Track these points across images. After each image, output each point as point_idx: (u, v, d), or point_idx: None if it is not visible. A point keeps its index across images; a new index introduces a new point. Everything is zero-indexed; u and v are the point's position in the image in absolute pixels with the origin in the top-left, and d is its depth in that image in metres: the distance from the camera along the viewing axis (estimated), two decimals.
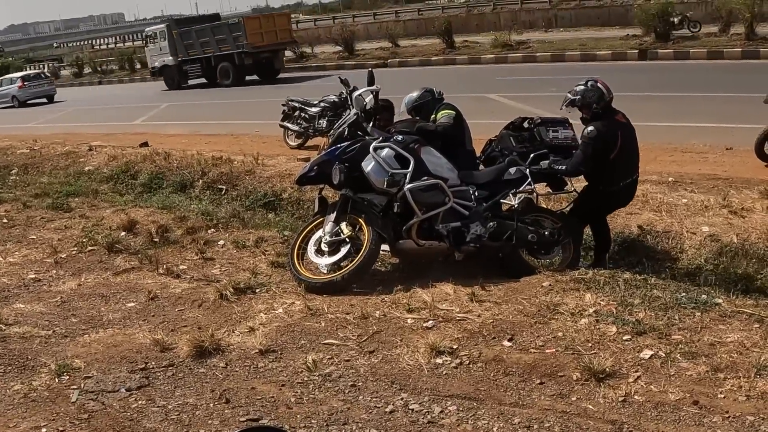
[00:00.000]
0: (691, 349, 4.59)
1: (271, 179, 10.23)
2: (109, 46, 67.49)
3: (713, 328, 4.90)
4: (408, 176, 6.33)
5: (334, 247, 6.38)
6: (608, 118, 6.48)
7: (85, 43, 79.29)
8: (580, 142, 6.54)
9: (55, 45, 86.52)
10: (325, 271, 6.36)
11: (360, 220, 6.40)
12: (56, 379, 4.78)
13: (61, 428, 4.22)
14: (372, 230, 6.28)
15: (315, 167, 6.71)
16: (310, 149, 13.42)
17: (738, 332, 4.81)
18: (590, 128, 6.41)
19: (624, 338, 4.80)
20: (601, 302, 5.38)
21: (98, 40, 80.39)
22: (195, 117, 20.30)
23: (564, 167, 6.56)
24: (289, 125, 14.19)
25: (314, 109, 13.73)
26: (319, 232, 6.52)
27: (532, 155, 6.64)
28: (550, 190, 7.12)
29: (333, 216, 6.44)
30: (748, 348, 4.58)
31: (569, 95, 6.59)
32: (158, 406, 4.41)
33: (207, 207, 9.39)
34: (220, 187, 10.46)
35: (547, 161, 6.60)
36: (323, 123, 13.43)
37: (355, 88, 11.49)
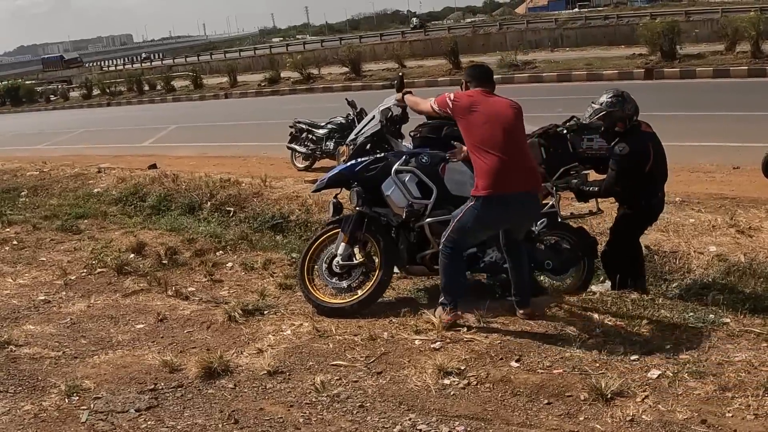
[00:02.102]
0: (699, 368, 4.59)
1: (279, 201, 10.27)
2: (118, 67, 68.07)
3: (721, 348, 4.90)
4: (429, 207, 6.07)
5: (345, 270, 6.24)
6: (637, 132, 6.27)
7: (94, 64, 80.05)
8: (611, 162, 6.23)
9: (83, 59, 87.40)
10: (334, 293, 6.31)
11: (374, 242, 6.20)
12: (66, 400, 4.80)
13: None
14: (385, 260, 6.12)
15: (333, 182, 6.39)
16: (317, 171, 13.47)
17: (746, 351, 4.82)
18: (622, 145, 6.15)
19: (631, 358, 4.80)
20: (609, 322, 5.38)
21: (107, 62, 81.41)
22: (203, 139, 20.40)
23: (597, 189, 6.35)
24: (297, 147, 14.23)
25: (321, 131, 13.79)
26: (332, 247, 6.34)
27: (561, 170, 6.40)
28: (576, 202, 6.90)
29: (347, 235, 6.17)
30: (756, 367, 4.58)
31: (601, 105, 6.30)
32: (167, 427, 4.42)
33: (215, 229, 9.43)
34: (228, 209, 10.51)
35: (576, 180, 6.42)
36: (330, 145, 13.49)
37: (362, 110, 11.59)
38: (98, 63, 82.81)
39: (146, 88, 42.57)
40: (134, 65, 67.24)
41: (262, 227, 9.70)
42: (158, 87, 42.09)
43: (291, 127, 14.49)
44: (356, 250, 6.20)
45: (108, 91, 44.52)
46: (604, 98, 6.35)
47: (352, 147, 6.39)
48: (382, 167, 6.15)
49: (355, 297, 6.16)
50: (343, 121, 13.62)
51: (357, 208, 6.18)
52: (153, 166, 14.12)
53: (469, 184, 5.88)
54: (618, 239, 6.59)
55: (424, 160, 6.12)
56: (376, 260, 6.20)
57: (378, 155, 6.26)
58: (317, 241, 6.46)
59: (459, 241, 5.58)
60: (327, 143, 13.61)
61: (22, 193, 12.95)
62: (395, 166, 6.10)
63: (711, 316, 5.48)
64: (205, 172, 12.48)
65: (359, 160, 6.27)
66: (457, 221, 5.51)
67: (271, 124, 20.38)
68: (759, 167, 10.06)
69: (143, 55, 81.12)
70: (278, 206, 10.14)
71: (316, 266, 6.40)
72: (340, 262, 6.20)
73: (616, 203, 6.66)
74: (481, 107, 5.41)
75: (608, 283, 6.66)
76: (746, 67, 22.00)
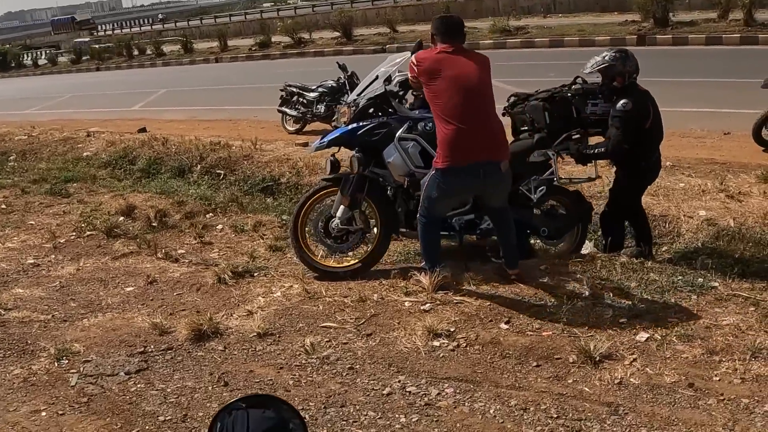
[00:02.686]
0: (687, 331, 4.62)
1: (269, 164, 10.23)
2: (107, 32, 67.42)
3: (709, 311, 4.93)
4: None
5: (343, 233, 6.18)
6: (635, 89, 6.20)
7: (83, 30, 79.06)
8: (614, 120, 6.13)
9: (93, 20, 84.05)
10: (327, 254, 6.30)
11: (374, 208, 6.13)
12: (56, 363, 4.81)
13: (60, 412, 4.25)
14: (385, 229, 6.08)
15: (333, 143, 6.24)
16: (308, 134, 13.44)
17: (734, 315, 4.84)
18: (624, 101, 6.05)
19: (620, 321, 4.83)
20: (598, 285, 5.40)
21: (102, 26, 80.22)
22: (193, 102, 20.25)
23: (603, 149, 6.21)
24: (287, 110, 14.20)
25: (312, 94, 13.76)
26: (324, 206, 6.25)
27: (563, 135, 6.31)
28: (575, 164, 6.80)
29: (347, 197, 6.03)
30: (744, 331, 4.60)
31: (604, 59, 6.19)
32: (157, 390, 4.44)
33: (205, 192, 9.42)
34: (218, 172, 10.46)
35: (577, 145, 6.33)
36: (321, 108, 13.50)
37: (353, 74, 11.52)
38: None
39: (135, 52, 42.23)
40: (123, 30, 66.57)
41: (252, 190, 9.67)
42: (148, 52, 41.76)
43: (282, 90, 14.45)
44: (356, 214, 6.12)
45: (97, 56, 44.13)
46: (606, 53, 6.29)
47: (354, 108, 6.19)
48: (385, 133, 6.00)
49: (351, 264, 6.15)
50: (334, 85, 13.59)
51: (359, 172, 6.03)
52: (143, 130, 14.02)
53: None
54: (618, 200, 6.55)
55: (428, 128, 5.94)
56: (373, 225, 6.16)
57: (381, 120, 6.08)
58: (311, 198, 6.29)
59: (429, 210, 5.53)
60: (318, 106, 13.59)
61: (11, 158, 12.88)
62: (398, 133, 5.96)
63: (700, 280, 5.50)
64: (195, 136, 12.41)
65: (361, 123, 6.09)
66: (424, 192, 5.49)
67: (261, 88, 20.26)
68: (749, 133, 10.08)
69: (160, 17, 76.90)
70: (268, 169, 10.11)
71: (308, 225, 6.31)
72: (339, 226, 6.11)
73: (613, 166, 6.63)
74: (444, 71, 5.25)
75: (590, 244, 6.68)
76: (738, 35, 21.88)
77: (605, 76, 6.22)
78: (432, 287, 5.46)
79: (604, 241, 6.63)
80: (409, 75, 5.58)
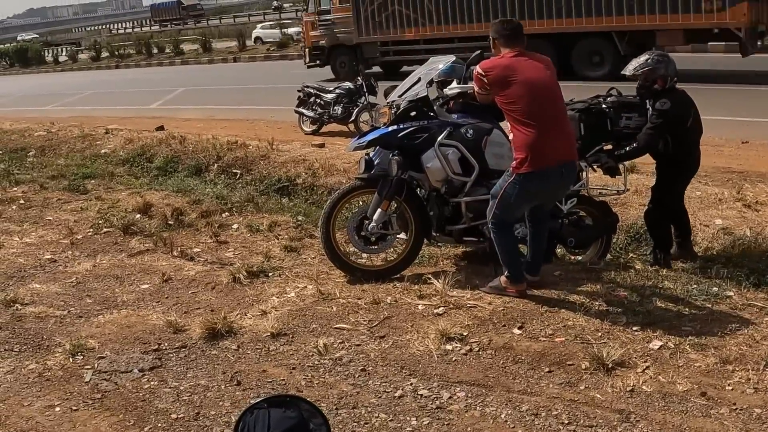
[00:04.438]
0: (701, 340, 4.60)
1: (286, 164, 10.27)
2: (127, 30, 67.79)
3: (723, 321, 4.91)
4: (468, 185, 5.93)
5: (378, 236, 6.08)
6: (675, 91, 6.29)
7: (103, 27, 79.16)
8: (651, 117, 6.20)
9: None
10: (358, 254, 6.28)
11: (410, 212, 6.04)
12: (70, 359, 4.84)
13: (74, 407, 4.28)
14: (417, 234, 6.04)
15: (373, 144, 6.12)
16: (324, 135, 13.49)
17: (748, 325, 4.82)
18: (663, 101, 6.13)
19: (634, 329, 4.81)
20: (612, 292, 5.39)
21: (116, 25, 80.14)
22: (211, 101, 20.34)
23: (635, 144, 6.22)
24: (305, 111, 14.24)
25: (330, 96, 13.79)
26: (360, 203, 6.27)
27: (595, 149, 6.28)
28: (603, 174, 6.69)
29: (386, 201, 5.93)
30: (758, 341, 4.58)
31: (646, 61, 6.26)
32: (170, 387, 4.46)
33: (221, 191, 9.45)
34: (234, 171, 10.51)
35: (609, 158, 6.30)
36: (338, 109, 13.53)
37: (370, 75, 11.52)
38: (107, 26, 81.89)
39: (155, 51, 42.43)
40: (151, 27, 66.27)
41: (268, 190, 9.71)
42: (167, 50, 41.99)
43: (299, 91, 14.49)
44: (393, 218, 6.06)
45: (117, 53, 44.39)
46: (647, 56, 6.35)
47: (395, 111, 6.11)
48: (426, 138, 5.92)
49: (383, 267, 6.16)
50: (352, 87, 13.64)
51: (398, 175, 5.92)
52: (160, 128, 14.09)
53: (507, 157, 5.76)
54: (662, 200, 6.57)
55: (468, 135, 5.92)
56: (408, 230, 6.10)
57: (422, 124, 5.99)
58: (344, 197, 6.19)
59: (504, 217, 5.44)
60: (335, 108, 13.63)
61: (30, 153, 12.99)
62: (439, 139, 5.88)
63: (714, 289, 5.48)
64: (213, 135, 12.47)
65: (402, 126, 5.99)
66: (500, 199, 5.35)
67: (279, 88, 20.34)
68: (767, 142, 10.05)
69: (275, 4, 63.86)
70: (285, 169, 10.14)
71: (338, 222, 6.21)
72: (376, 230, 6.00)
73: (654, 168, 6.65)
74: (517, 76, 5.15)
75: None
76: (759, 43, 21.77)
77: (647, 78, 6.26)
78: (515, 294, 5.42)
79: (651, 242, 6.73)
80: (475, 87, 5.45)
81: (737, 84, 16.09)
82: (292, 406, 2.08)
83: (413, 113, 6.05)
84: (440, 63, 6.22)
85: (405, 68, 20.56)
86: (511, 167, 5.29)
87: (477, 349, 4.67)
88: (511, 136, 5.32)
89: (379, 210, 5.94)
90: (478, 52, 6.01)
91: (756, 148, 10.52)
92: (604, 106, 6.33)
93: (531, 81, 5.15)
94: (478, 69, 5.28)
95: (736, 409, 3.89)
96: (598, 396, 4.09)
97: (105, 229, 7.74)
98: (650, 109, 6.23)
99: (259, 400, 2.11)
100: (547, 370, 4.40)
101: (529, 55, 5.31)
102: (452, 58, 6.21)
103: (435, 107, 6.08)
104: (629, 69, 6.39)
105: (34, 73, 43.84)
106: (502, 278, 5.50)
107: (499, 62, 5.27)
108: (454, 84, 6.01)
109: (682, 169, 6.48)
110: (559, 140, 5.23)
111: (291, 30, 39.99)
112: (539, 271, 5.69)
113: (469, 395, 4.17)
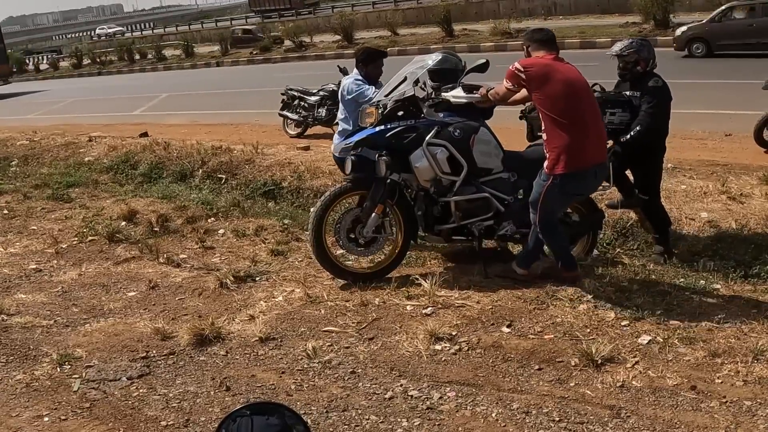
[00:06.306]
0: (689, 334, 4.62)
1: (271, 168, 10.24)
2: (108, 36, 67.48)
3: (711, 314, 4.93)
4: (457, 185, 5.93)
5: (369, 239, 6.05)
6: (655, 73, 6.49)
7: (84, 34, 78.80)
8: (646, 96, 6.33)
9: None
10: (347, 256, 6.29)
11: (399, 214, 6.03)
12: (58, 369, 4.81)
13: (63, 417, 4.25)
14: (406, 236, 6.05)
15: (360, 145, 6.11)
16: (309, 138, 13.47)
17: (735, 317, 4.84)
18: (654, 78, 6.36)
19: (622, 324, 4.83)
20: (600, 288, 5.40)
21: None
22: (194, 107, 20.29)
23: (638, 128, 6.28)
24: (289, 114, 14.24)
25: (313, 98, 13.78)
26: (348, 205, 6.23)
27: None
28: None
29: (381, 205, 5.94)
30: (746, 333, 4.61)
31: (632, 44, 6.46)
32: (159, 394, 4.44)
33: (207, 196, 9.40)
34: (219, 176, 10.48)
35: (618, 146, 6.34)
36: (322, 112, 13.53)
37: None
38: (88, 33, 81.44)
39: (137, 57, 42.31)
40: (132, 33, 66.17)
41: (253, 194, 9.68)
42: (149, 56, 41.89)
43: (283, 94, 14.48)
44: (386, 222, 6.04)
45: (98, 60, 44.21)
46: (632, 40, 6.66)
47: (381, 110, 6.05)
48: (414, 138, 5.91)
49: (372, 268, 6.17)
50: (335, 89, 13.56)
51: (389, 179, 5.92)
52: (144, 135, 14.04)
53: (494, 155, 5.90)
54: (649, 186, 6.69)
55: (456, 134, 5.90)
56: (396, 232, 6.09)
57: (410, 123, 5.97)
58: (335, 200, 6.11)
59: (549, 219, 5.52)
60: (319, 110, 13.63)
61: (13, 162, 12.88)
62: (427, 138, 5.86)
63: (701, 282, 5.50)
64: (197, 140, 12.43)
65: (389, 125, 5.97)
66: (541, 204, 5.40)
67: (263, 92, 20.27)
68: (751, 134, 10.11)
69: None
70: (270, 173, 10.12)
71: (329, 227, 6.16)
72: (370, 234, 5.99)
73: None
74: (556, 75, 5.23)
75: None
76: None
77: (633, 57, 6.41)
78: (576, 281, 5.51)
79: (652, 237, 6.88)
80: (506, 83, 5.48)
81: (720, 78, 16.15)
82: (275, 413, 2.07)
83: (401, 113, 6.04)
84: (429, 59, 6.22)
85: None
86: (545, 169, 5.33)
87: (466, 348, 4.67)
88: (544, 137, 5.35)
89: (373, 215, 5.94)
90: (486, 60, 5.96)
91: (739, 140, 10.58)
92: None
93: (571, 81, 5.25)
94: (516, 65, 5.33)
95: (726, 402, 3.91)
96: (589, 392, 4.09)
97: (90, 238, 7.68)
98: (633, 93, 6.41)
99: (241, 407, 2.09)
100: (536, 367, 4.41)
101: (563, 61, 5.43)
102: (439, 56, 6.23)
103: (423, 106, 6.07)
104: (615, 50, 6.56)
105: (15, 82, 43.57)
106: (544, 265, 5.75)
107: (539, 60, 5.37)
108: (460, 91, 5.99)
109: (661, 149, 6.61)
110: (597, 141, 5.35)
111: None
112: (530, 265, 5.72)
113: (460, 395, 4.17)
